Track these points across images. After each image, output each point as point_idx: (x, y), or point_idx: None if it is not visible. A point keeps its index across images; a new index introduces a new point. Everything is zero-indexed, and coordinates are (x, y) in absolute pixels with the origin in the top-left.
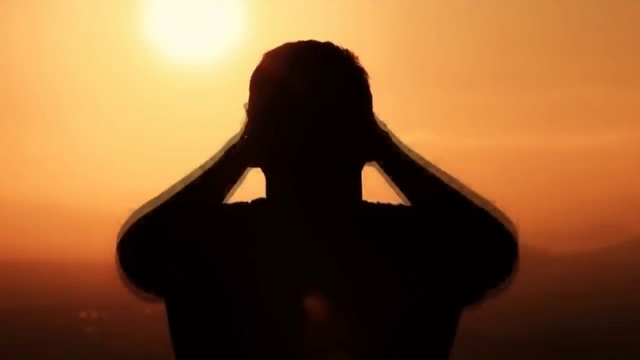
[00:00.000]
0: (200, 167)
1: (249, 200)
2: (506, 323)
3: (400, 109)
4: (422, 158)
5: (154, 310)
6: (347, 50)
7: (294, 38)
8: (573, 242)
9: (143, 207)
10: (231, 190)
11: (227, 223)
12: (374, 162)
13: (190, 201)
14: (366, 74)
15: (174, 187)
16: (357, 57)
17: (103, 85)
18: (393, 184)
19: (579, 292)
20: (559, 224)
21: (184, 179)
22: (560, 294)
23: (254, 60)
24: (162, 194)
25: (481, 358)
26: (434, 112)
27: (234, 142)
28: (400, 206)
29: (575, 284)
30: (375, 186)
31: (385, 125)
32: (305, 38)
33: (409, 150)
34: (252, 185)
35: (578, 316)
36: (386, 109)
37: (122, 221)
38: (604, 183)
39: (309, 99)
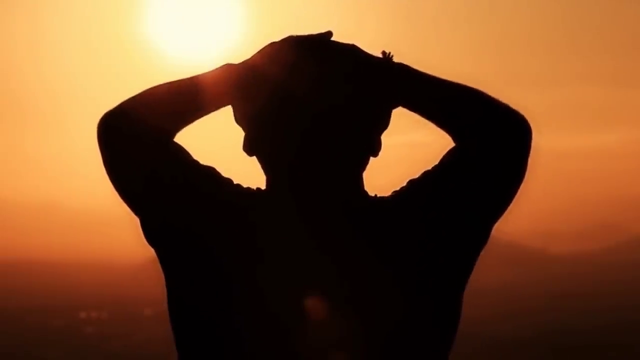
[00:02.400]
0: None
1: (255, 187)
2: (506, 323)
3: (398, 108)
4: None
5: (154, 311)
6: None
7: None
8: (573, 242)
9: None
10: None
11: (230, 214)
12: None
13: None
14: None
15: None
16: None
17: (103, 85)
18: (427, 112)
19: (578, 292)
20: (558, 224)
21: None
22: (560, 294)
23: None
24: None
25: (481, 358)
26: None
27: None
28: (394, 195)
29: (575, 284)
30: (376, 181)
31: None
32: None
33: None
34: (251, 174)
35: (578, 316)
36: None
37: (122, 221)
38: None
39: (309, 99)
